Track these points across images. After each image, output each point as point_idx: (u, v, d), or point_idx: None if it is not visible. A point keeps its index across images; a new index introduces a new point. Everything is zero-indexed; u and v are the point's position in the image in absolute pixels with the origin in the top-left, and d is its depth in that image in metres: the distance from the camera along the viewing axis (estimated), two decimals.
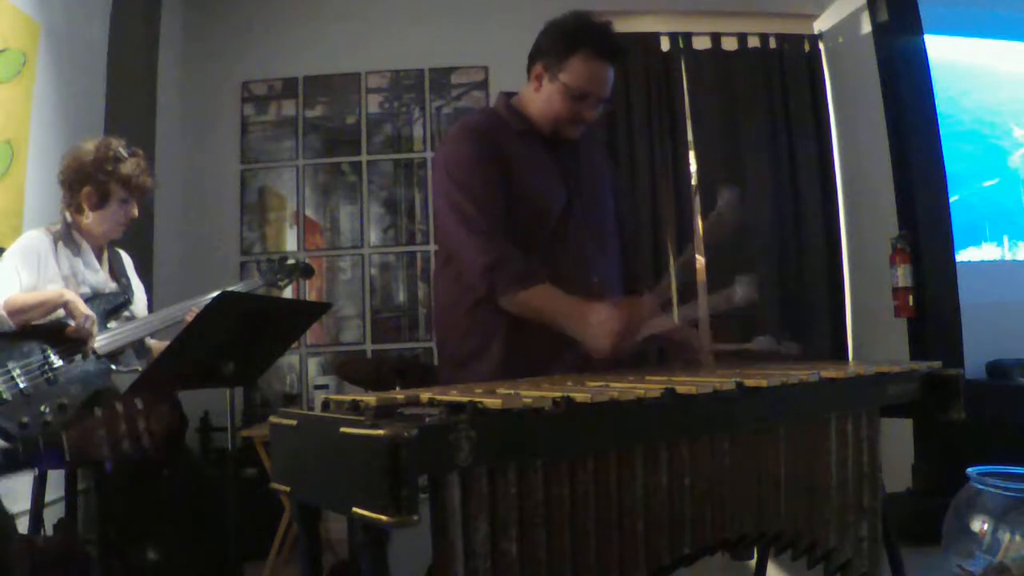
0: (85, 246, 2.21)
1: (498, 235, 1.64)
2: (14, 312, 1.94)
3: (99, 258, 2.27)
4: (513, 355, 1.67)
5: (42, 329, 2.00)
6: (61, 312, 2.00)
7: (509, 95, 1.86)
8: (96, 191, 2.17)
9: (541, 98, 1.75)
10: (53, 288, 2.06)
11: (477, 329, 1.72)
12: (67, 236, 2.19)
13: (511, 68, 3.87)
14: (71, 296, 2.00)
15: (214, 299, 1.84)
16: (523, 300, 1.61)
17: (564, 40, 1.72)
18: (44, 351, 1.98)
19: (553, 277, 1.66)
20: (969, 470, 2.65)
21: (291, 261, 2.55)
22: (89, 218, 2.19)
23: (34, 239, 2.13)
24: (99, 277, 2.23)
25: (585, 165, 1.87)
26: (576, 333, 1.57)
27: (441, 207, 1.73)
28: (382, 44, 4.01)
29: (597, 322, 1.53)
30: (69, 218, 2.22)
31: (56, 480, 2.19)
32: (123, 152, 2.22)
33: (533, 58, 1.78)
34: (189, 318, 2.16)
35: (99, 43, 3.13)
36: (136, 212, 2.27)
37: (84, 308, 2.00)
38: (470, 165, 1.69)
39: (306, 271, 2.59)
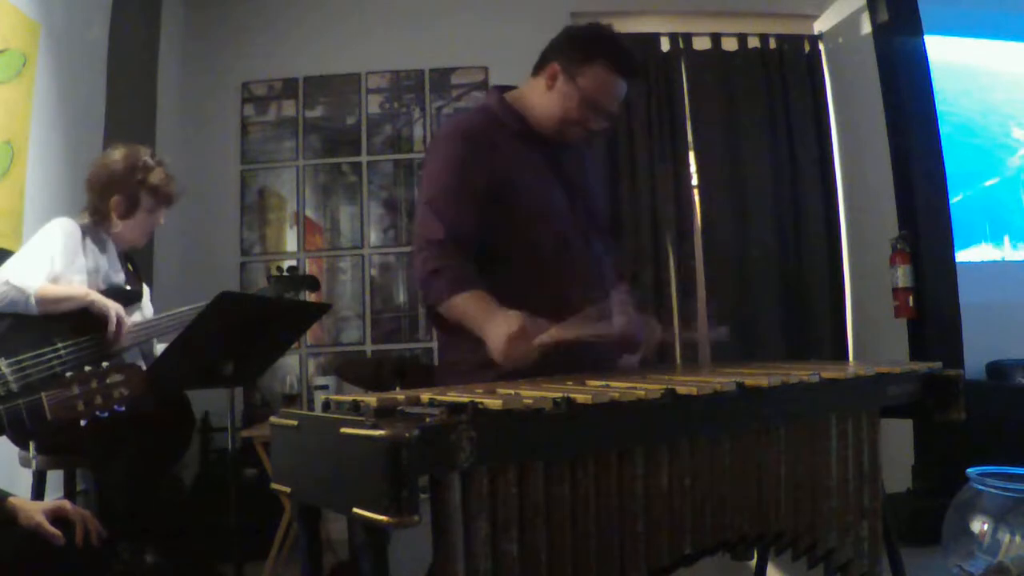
0: (111, 245, 2.22)
1: (451, 245, 1.60)
2: (44, 302, 1.95)
3: (121, 260, 2.27)
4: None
5: (68, 321, 2.01)
6: None
7: (502, 89, 1.82)
8: (125, 200, 2.18)
9: (552, 97, 1.72)
10: (80, 280, 2.08)
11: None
12: (94, 232, 2.19)
13: (511, 68, 3.86)
14: (97, 297, 2.02)
15: (214, 300, 1.85)
16: (451, 305, 1.58)
17: (587, 46, 1.71)
18: (53, 343, 1.97)
19: (564, 281, 1.65)
20: (969, 470, 2.65)
21: (300, 272, 2.56)
22: (117, 227, 2.20)
23: (69, 227, 2.13)
24: (120, 278, 2.23)
25: (583, 164, 1.87)
26: (483, 337, 1.54)
27: (419, 208, 1.71)
28: (382, 44, 4.01)
29: (496, 330, 1.51)
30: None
31: (56, 480, 2.19)
32: (151, 161, 2.23)
33: (548, 56, 1.75)
34: None
35: (99, 43, 3.13)
36: (162, 220, 2.28)
37: (112, 304, 2.02)
38: (453, 169, 1.65)
39: (312, 284, 2.61)
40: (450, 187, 1.64)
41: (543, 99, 1.74)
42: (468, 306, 1.56)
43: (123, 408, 1.48)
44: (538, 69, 1.77)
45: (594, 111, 1.72)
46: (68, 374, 1.45)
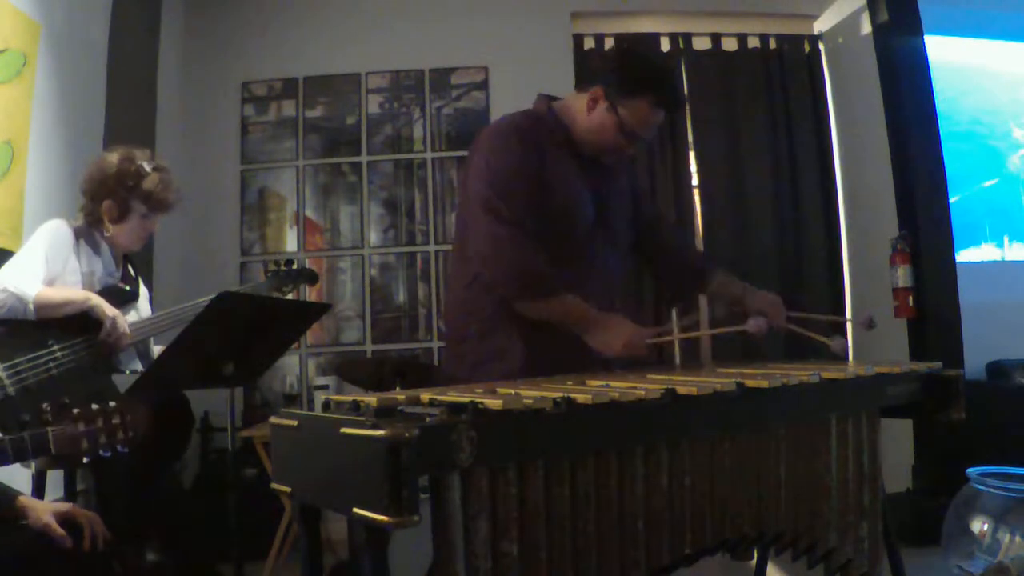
0: (105, 247, 2.21)
1: (529, 242, 1.65)
2: (42, 306, 1.95)
3: (116, 262, 2.27)
4: (537, 356, 1.68)
5: (66, 323, 2.01)
6: None
7: (550, 98, 1.85)
8: (117, 205, 2.17)
9: (592, 121, 1.76)
10: (74, 282, 2.07)
11: (500, 330, 1.72)
12: (88, 234, 2.19)
13: (511, 68, 3.92)
14: (96, 302, 2.01)
15: (214, 299, 1.84)
16: (542, 307, 1.66)
17: (635, 80, 1.72)
18: (49, 345, 1.97)
19: (577, 289, 1.68)
20: (969, 470, 2.66)
21: (296, 266, 2.55)
22: (109, 231, 2.20)
23: (61, 230, 2.12)
24: (115, 279, 2.22)
25: (614, 185, 1.89)
26: (590, 339, 1.66)
27: (475, 208, 1.70)
28: (382, 44, 4.01)
29: (607, 334, 1.65)
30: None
31: (55, 480, 2.18)
32: (146, 167, 2.21)
33: (592, 79, 1.77)
34: None
35: (99, 43, 3.13)
36: (156, 227, 2.27)
37: (110, 311, 2.01)
38: (513, 168, 1.68)
39: (311, 278, 2.60)
40: (519, 184, 1.68)
41: (582, 119, 1.77)
42: (576, 307, 1.66)
43: (126, 449, 1.47)
44: (583, 85, 1.79)
45: (629, 139, 1.75)
46: (75, 410, 1.44)
